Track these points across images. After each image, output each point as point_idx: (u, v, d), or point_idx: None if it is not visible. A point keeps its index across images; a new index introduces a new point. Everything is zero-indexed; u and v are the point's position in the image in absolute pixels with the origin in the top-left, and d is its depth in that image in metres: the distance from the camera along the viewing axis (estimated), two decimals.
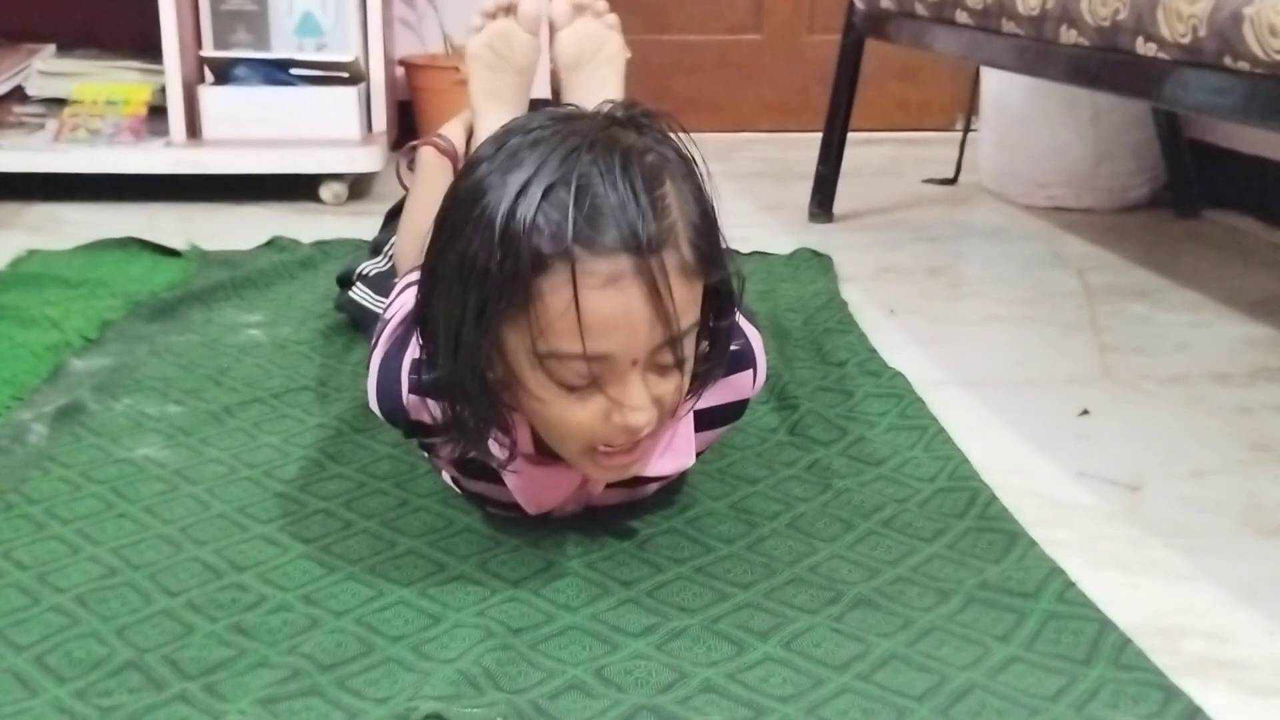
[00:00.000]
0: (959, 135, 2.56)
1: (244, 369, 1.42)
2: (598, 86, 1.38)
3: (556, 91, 1.44)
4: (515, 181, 0.83)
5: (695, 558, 1.01)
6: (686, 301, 0.86)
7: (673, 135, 0.90)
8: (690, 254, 0.86)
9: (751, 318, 1.06)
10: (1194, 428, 1.30)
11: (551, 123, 0.87)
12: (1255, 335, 1.61)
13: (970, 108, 2.53)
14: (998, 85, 2.38)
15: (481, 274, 0.83)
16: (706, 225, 0.88)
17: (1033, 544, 1.02)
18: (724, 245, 0.91)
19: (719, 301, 0.93)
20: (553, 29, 1.38)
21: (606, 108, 0.89)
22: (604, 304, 0.82)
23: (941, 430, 1.25)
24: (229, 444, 1.22)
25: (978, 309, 1.74)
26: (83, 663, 0.84)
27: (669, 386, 0.89)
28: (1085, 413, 1.34)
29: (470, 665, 0.84)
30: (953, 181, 2.54)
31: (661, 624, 0.91)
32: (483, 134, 1.35)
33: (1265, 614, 0.95)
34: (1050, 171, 2.32)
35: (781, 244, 2.01)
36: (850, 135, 2.28)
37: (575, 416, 0.87)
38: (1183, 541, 1.06)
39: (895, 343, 1.55)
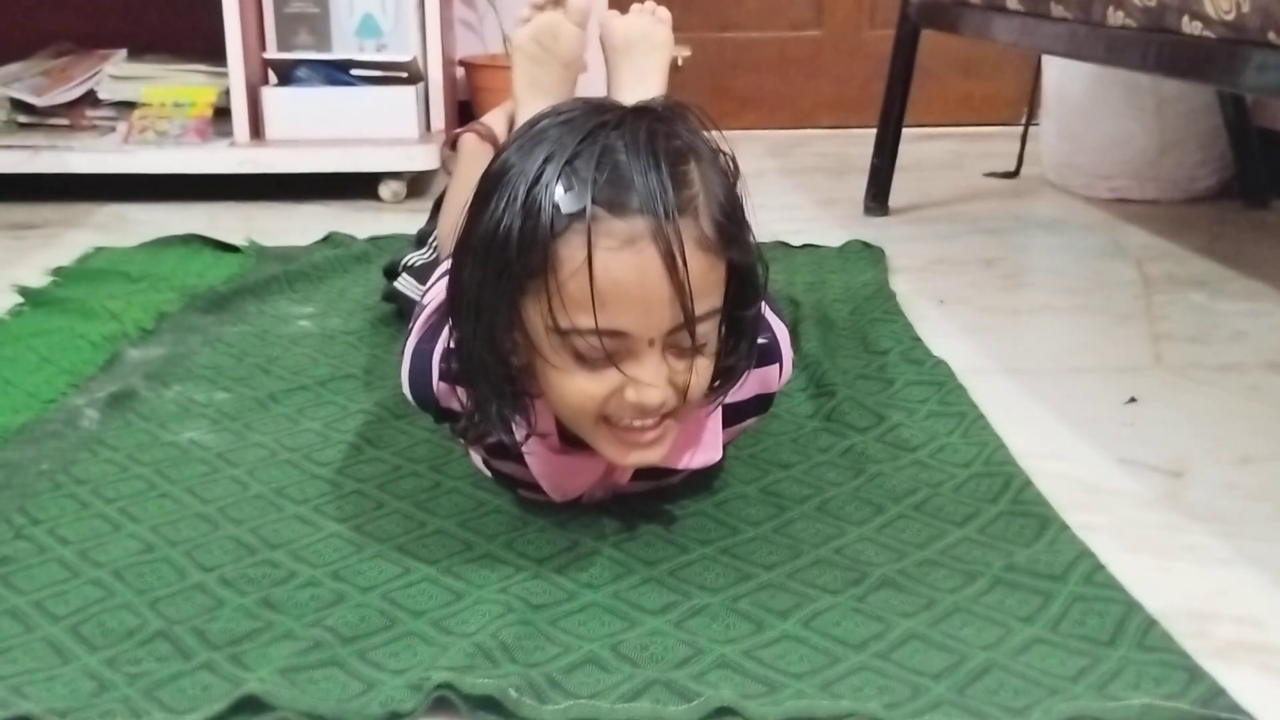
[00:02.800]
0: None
1: (292, 358, 1.45)
2: (641, 74, 1.40)
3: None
4: (541, 153, 0.85)
5: (721, 539, 1.01)
6: (705, 278, 0.86)
7: (704, 130, 0.91)
8: (710, 229, 0.86)
9: (778, 311, 1.05)
10: (1244, 415, 1.27)
11: (583, 105, 0.89)
12: None
13: (1032, 100, 2.49)
14: (1059, 76, 2.34)
15: (504, 239, 0.84)
16: (730, 207, 0.88)
17: (1064, 528, 1.00)
18: (750, 234, 0.91)
19: (743, 290, 0.92)
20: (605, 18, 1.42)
21: (639, 102, 0.91)
22: (619, 269, 0.82)
23: (981, 417, 1.23)
24: (272, 429, 1.24)
25: (1030, 299, 1.72)
26: (115, 633, 0.87)
27: (689, 371, 0.88)
28: (1132, 400, 1.32)
29: (488, 639, 0.85)
30: (1014, 174, 2.51)
31: (681, 602, 0.91)
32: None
33: None
34: (1114, 163, 2.28)
35: (835, 237, 2.00)
36: (913, 130, 2.27)
37: (589, 388, 0.87)
38: (1222, 527, 1.04)
39: (943, 332, 1.54)
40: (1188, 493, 1.10)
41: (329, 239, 1.98)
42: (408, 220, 2.15)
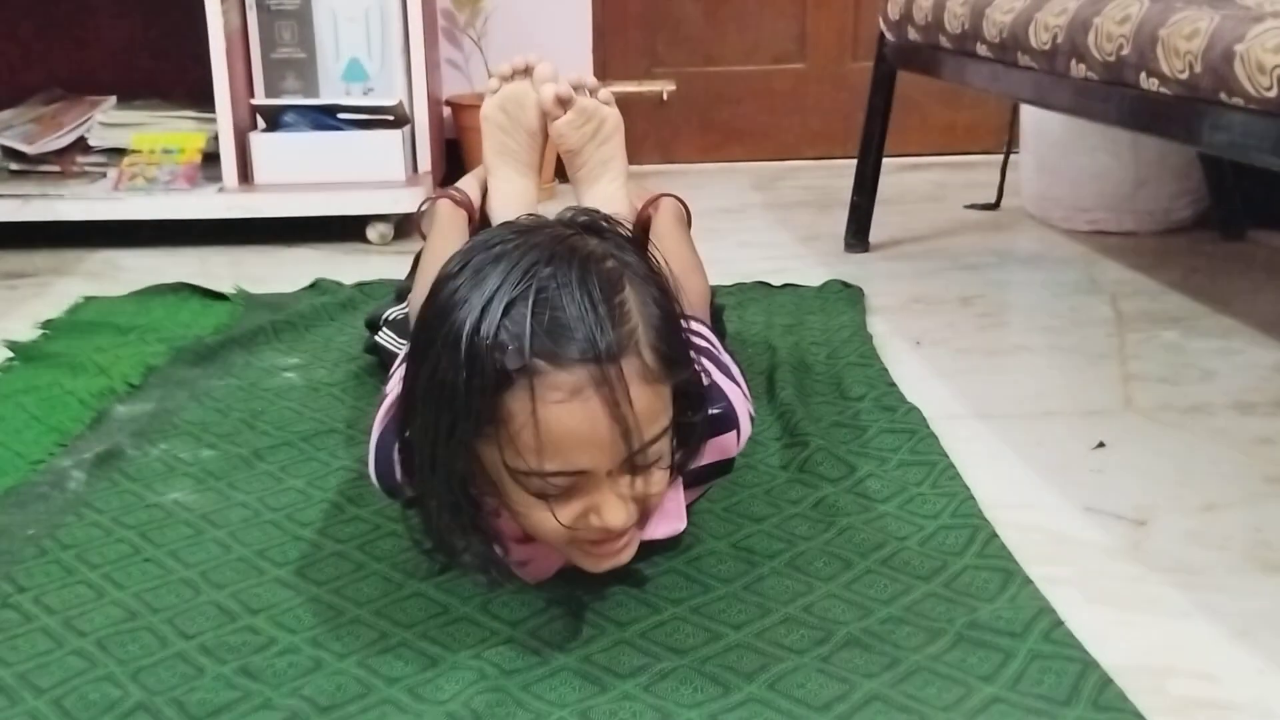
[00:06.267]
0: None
1: (277, 412, 1.47)
2: (601, 164, 1.40)
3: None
4: (478, 299, 0.85)
5: (693, 598, 1.03)
6: (652, 407, 0.86)
7: (629, 240, 0.92)
8: (652, 358, 0.86)
9: (728, 370, 1.07)
10: (1210, 460, 1.30)
11: (514, 236, 0.89)
12: None
13: (1012, 131, 2.52)
14: (1036, 110, 2.37)
15: (451, 393, 0.84)
16: (668, 327, 0.89)
17: (1027, 582, 1.03)
18: (686, 342, 0.92)
19: (687, 399, 0.94)
20: (547, 118, 1.39)
21: (567, 215, 0.92)
22: (569, 419, 0.83)
23: (950, 466, 1.26)
24: (256, 488, 1.26)
25: (1006, 339, 1.74)
26: (96, 705, 0.89)
27: (647, 485, 0.89)
28: (1101, 445, 1.34)
29: (460, 707, 0.87)
30: (995, 206, 2.54)
31: (652, 665, 0.94)
32: (495, 192, 1.39)
33: (1258, 653, 0.95)
34: (1091, 195, 2.31)
35: (816, 275, 2.03)
36: (897, 160, 2.29)
37: (553, 522, 0.88)
38: (1183, 578, 1.06)
39: (918, 375, 1.56)
40: (1151, 542, 1.13)
41: (316, 285, 2.01)
42: (396, 263, 2.18)
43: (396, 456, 0.97)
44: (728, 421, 1.02)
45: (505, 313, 0.83)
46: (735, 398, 1.04)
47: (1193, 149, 2.23)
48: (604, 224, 0.92)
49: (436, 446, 0.87)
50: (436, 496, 0.91)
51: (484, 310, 0.84)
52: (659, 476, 0.91)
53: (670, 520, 1.02)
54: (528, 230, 0.90)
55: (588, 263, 0.86)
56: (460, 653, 0.95)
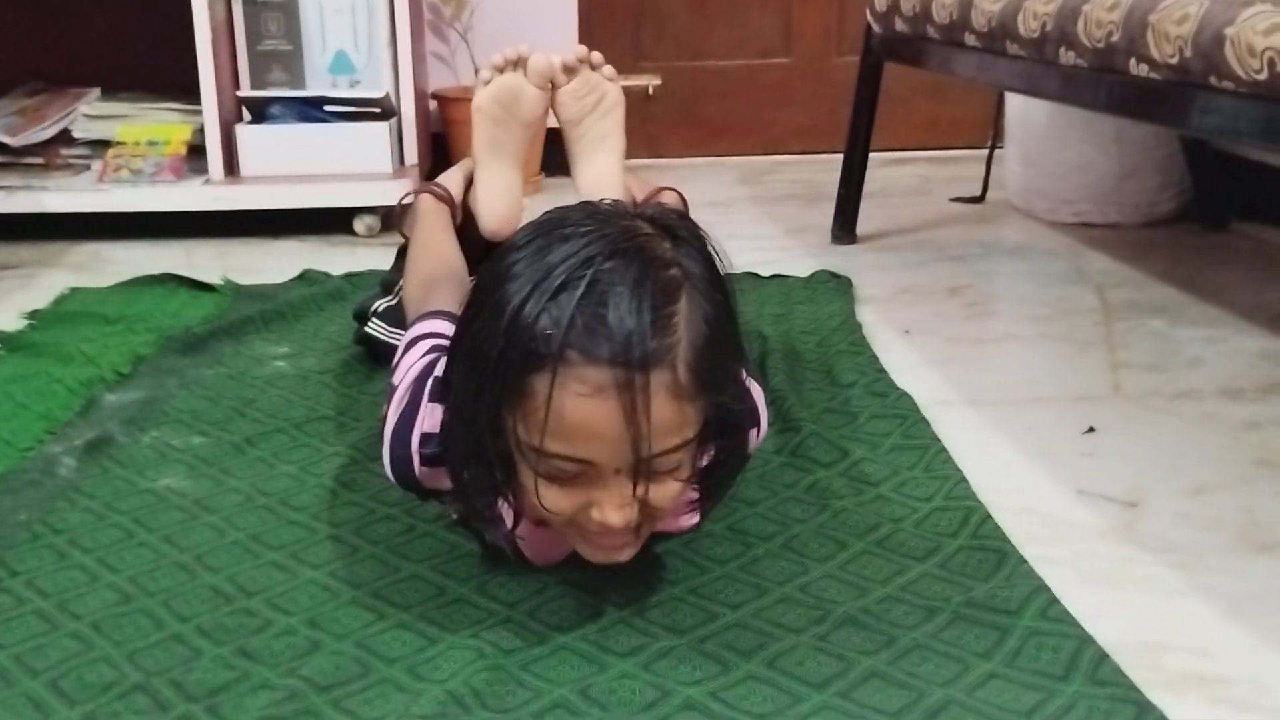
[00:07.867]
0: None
1: (268, 400, 1.47)
2: (600, 137, 1.40)
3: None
4: (533, 275, 0.84)
5: (689, 579, 1.04)
6: (673, 421, 0.85)
7: (708, 247, 0.90)
8: (685, 375, 0.85)
9: (750, 369, 1.07)
10: (1198, 444, 1.31)
11: (588, 220, 0.88)
12: (1272, 349, 1.60)
13: (997, 125, 2.54)
14: (1022, 102, 2.39)
15: (485, 358, 0.85)
16: (712, 349, 0.87)
17: (1021, 562, 1.03)
18: (736, 369, 0.92)
19: (726, 421, 0.93)
20: (553, 86, 1.40)
21: (651, 209, 0.91)
22: (585, 412, 0.83)
23: (943, 450, 1.26)
24: (248, 473, 1.26)
25: (994, 328, 1.75)
26: (93, 686, 0.89)
27: (659, 493, 0.89)
28: (1091, 430, 1.35)
29: (459, 686, 0.87)
30: (980, 199, 2.55)
31: (650, 644, 0.94)
32: (482, 186, 1.38)
33: (1250, 630, 0.95)
34: (1076, 188, 2.32)
35: (804, 266, 2.03)
36: (881, 155, 2.30)
37: (558, 504, 0.89)
38: (1175, 558, 1.07)
39: (907, 363, 1.57)
40: (1142, 524, 1.14)
41: (304, 276, 2.00)
42: (382, 255, 2.17)
43: (415, 445, 0.97)
44: (750, 418, 1.01)
45: (553, 296, 0.83)
46: (756, 394, 1.04)
47: (1176, 143, 2.24)
48: (684, 231, 0.90)
49: (474, 404, 0.88)
50: (465, 450, 0.91)
51: (534, 288, 0.83)
52: (673, 489, 0.90)
53: (685, 516, 1.02)
54: (604, 217, 0.88)
55: (650, 266, 0.84)
56: (458, 633, 0.95)
